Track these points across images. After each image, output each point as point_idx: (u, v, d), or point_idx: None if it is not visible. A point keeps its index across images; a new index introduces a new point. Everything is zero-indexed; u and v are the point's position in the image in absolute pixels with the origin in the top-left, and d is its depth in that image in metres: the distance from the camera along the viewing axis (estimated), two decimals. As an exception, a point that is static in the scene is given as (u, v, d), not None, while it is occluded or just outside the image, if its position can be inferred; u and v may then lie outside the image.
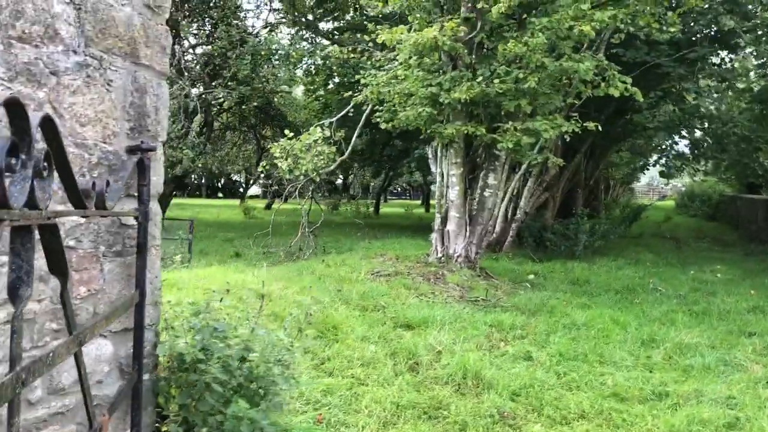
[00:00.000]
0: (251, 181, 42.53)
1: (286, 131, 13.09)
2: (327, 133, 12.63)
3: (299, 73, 19.14)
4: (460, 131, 10.38)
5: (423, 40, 9.56)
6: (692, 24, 15.35)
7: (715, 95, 17.91)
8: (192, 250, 11.53)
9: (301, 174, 12.49)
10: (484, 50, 10.97)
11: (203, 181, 66.02)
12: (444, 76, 10.15)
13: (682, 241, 22.93)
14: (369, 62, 13.61)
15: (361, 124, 12.81)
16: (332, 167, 12.62)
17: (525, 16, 10.14)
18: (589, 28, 9.10)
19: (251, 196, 48.33)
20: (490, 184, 11.33)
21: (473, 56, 10.45)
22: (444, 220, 11.51)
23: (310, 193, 13.96)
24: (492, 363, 6.83)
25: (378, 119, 11.65)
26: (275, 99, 18.63)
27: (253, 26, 20.52)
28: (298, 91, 25.44)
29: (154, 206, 3.71)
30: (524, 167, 15.08)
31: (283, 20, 22.08)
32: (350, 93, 12.46)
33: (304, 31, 24.20)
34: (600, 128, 10.48)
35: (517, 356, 7.14)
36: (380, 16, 14.42)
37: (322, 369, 6.22)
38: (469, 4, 10.32)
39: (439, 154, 11.69)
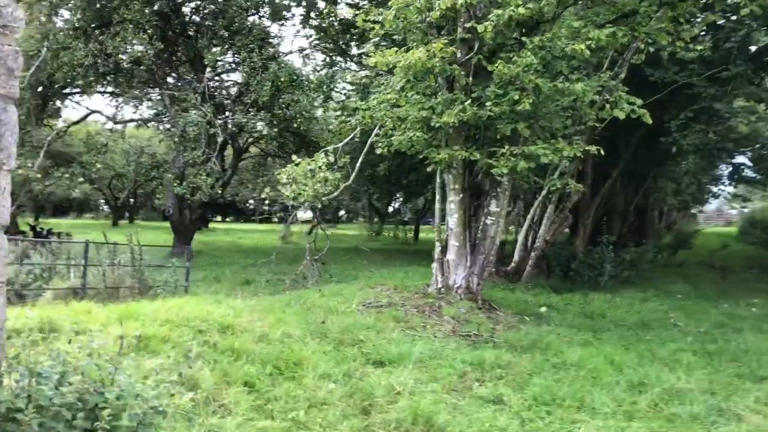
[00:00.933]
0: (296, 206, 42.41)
1: (294, 157, 12.87)
2: (331, 158, 12.33)
3: (320, 99, 19.00)
4: (454, 156, 9.93)
5: (413, 62, 9.20)
6: (723, 42, 14.49)
7: (752, 117, 16.85)
8: (189, 278, 11.34)
9: (306, 200, 12.22)
10: (488, 72, 10.49)
11: (257, 206, 66.96)
12: (436, 99, 9.74)
13: (728, 270, 21.64)
14: (381, 86, 13.34)
15: (365, 150, 12.50)
16: (336, 193, 12.31)
17: (516, 35, 9.65)
18: (584, 48, 8.56)
19: (304, 221, 48.48)
20: (493, 212, 10.80)
21: (470, 78, 10.01)
22: (444, 249, 11.02)
23: (316, 219, 13.67)
24: (455, 407, 6.33)
25: (379, 144, 11.32)
26: (295, 125, 18.56)
27: (280, 52, 20.48)
28: (331, 115, 25.39)
29: (-2, 240, 3.44)
30: (543, 193, 14.46)
31: (306, 48, 22.18)
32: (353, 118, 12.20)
33: (337, 57, 24.23)
34: (602, 152, 9.83)
35: (487, 399, 6.59)
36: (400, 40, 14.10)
37: (263, 410, 5.82)
38: (466, 25, 9.92)
39: (438, 179, 11.24)
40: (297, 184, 12.16)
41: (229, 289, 13.83)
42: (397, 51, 9.82)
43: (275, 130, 19.30)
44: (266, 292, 12.82)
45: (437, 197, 11.40)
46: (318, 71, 23.04)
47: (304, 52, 24.39)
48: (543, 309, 11.90)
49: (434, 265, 11.20)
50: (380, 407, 6.15)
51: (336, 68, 22.58)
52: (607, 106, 9.87)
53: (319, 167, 12.09)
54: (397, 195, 39.96)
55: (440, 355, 7.97)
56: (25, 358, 3.50)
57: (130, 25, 17.13)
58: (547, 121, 9.99)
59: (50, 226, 38.62)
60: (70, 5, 17.85)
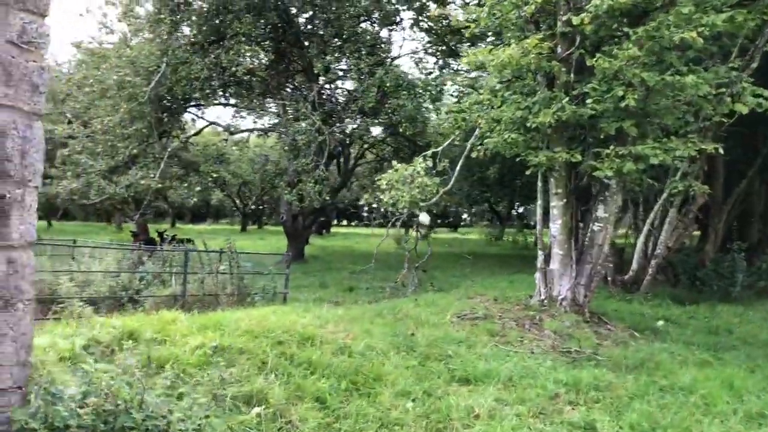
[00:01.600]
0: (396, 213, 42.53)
1: (394, 163, 12.68)
2: (430, 163, 12.00)
3: (428, 102, 18.72)
4: (554, 158, 9.28)
5: (505, 61, 8.69)
6: None
7: None
8: (288, 285, 11.40)
9: (405, 206, 11.97)
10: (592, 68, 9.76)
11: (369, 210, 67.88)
12: (533, 98, 9.15)
13: None
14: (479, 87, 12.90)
15: (465, 153, 12.04)
16: (434, 200, 11.94)
17: (620, 26, 8.83)
18: (695, 35, 7.67)
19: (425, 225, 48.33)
20: (600, 217, 10.00)
21: (571, 75, 9.34)
22: (548, 258, 10.36)
23: (415, 226, 13.36)
24: (539, 433, 5.79)
25: (476, 148, 10.86)
26: (401, 129, 18.41)
27: (389, 57, 20.43)
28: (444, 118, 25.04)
29: (23, 257, 3.41)
30: (664, 196, 13.34)
31: (418, 51, 21.98)
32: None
33: (448, 59, 23.87)
34: (721, 151, 8.81)
35: (577, 425, 5.99)
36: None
37: (331, 428, 5.59)
38: (564, 18, 9.26)
39: (539, 183, 10.59)
40: (395, 190, 11.93)
41: (333, 296, 13.84)
42: (491, 50, 9.33)
43: (383, 135, 19.24)
44: (365, 300, 12.69)
45: (539, 202, 10.76)
46: (429, 74, 22.80)
47: (416, 56, 24.29)
48: (660, 323, 10.92)
49: (537, 275, 10.57)
50: (456, 431, 5.75)
51: (446, 70, 22.21)
52: (728, 99, 8.84)
53: (417, 172, 11.79)
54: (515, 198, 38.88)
55: (533, 373, 7.40)
56: (49, 376, 3.44)
57: (243, 38, 17.68)
58: (659, 117, 9.10)
59: (183, 232, 40.90)
60: (189, 22, 18.68)
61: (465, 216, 77.26)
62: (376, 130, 25.68)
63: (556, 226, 10.10)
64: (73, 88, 19.85)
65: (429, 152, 12.30)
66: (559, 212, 10.05)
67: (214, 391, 4.51)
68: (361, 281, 15.79)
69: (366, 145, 29.61)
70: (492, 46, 9.76)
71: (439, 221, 51.26)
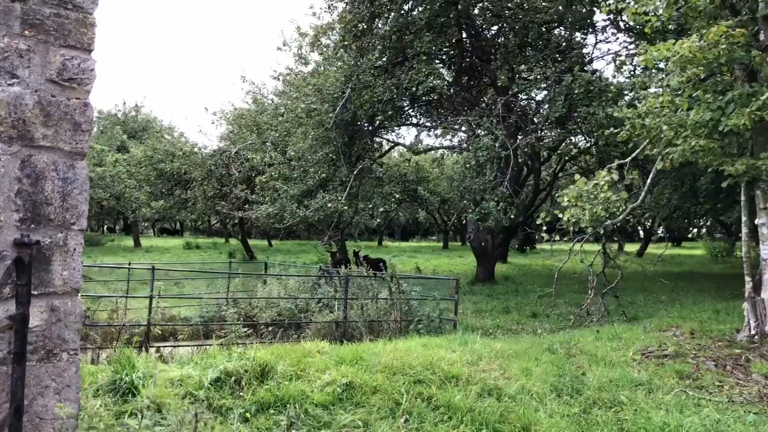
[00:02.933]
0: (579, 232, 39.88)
1: (576, 177, 11.54)
2: (615, 176, 10.72)
3: (623, 108, 16.94)
4: (756, 167, 7.68)
5: (686, 55, 7.38)
6: None
7: None
8: (458, 312, 10.78)
9: (588, 225, 10.83)
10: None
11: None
12: (725, 96, 7.65)
13: None
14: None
15: (656, 165, 10.53)
16: (621, 217, 10.61)
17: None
18: None
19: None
20: (825, 237, 8.13)
21: (781, 65, 7.71)
22: (757, 287, 8.64)
23: (602, 246, 12.02)
24: None
25: (663, 157, 9.43)
26: (592, 139, 16.90)
27: (584, 60, 18.97)
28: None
29: (68, 304, 3.24)
30: None
31: (620, 53, 20.09)
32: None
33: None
34: None
35: None
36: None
37: (456, 490, 4.93)
38: (764, -2, 7.68)
39: (742, 196, 8.89)
40: (576, 207, 10.84)
41: (513, 323, 12.95)
42: (673, 43, 8.02)
43: (587, 145, 17.86)
44: (547, 329, 11.66)
45: (743, 219, 9.04)
46: (630, 77, 20.89)
47: (615, 57, 22.41)
48: None
49: (745, 305, 8.87)
50: (608, 504, 4.76)
51: (648, 72, 20.15)
52: None
53: (601, 186, 10.59)
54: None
55: (725, 430, 6.05)
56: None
57: (424, 57, 17.52)
58: None
59: (387, 250, 41.86)
60: (373, 44, 18.88)
61: (693, 229, 70.68)
62: (577, 141, 24.24)
63: (766, 248, 8.40)
64: (272, 118, 21.09)
65: (614, 164, 11.00)
66: (769, 231, 8.35)
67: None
68: (548, 306, 14.65)
69: (566, 158, 27.97)
70: (674, 40, 8.38)
71: (653, 237, 47.17)
